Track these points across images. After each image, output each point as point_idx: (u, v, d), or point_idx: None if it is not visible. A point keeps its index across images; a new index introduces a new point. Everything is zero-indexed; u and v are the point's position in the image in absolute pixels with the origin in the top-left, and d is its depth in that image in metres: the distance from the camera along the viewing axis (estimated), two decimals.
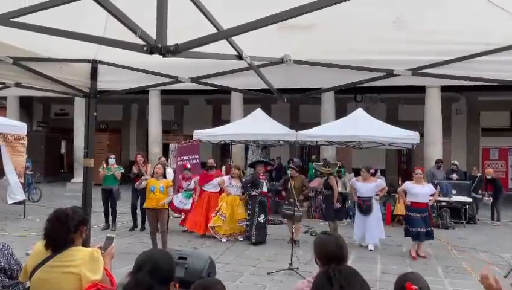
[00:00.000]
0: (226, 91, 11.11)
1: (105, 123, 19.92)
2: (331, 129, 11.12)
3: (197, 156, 10.74)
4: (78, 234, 2.60)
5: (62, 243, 2.49)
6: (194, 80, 3.16)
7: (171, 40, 1.71)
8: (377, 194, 8.11)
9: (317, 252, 2.09)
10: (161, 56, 1.62)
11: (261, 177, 8.59)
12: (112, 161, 9.32)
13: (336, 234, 2.13)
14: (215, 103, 19.63)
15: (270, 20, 1.66)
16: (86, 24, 2.31)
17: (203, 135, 11.71)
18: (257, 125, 11.47)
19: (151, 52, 1.59)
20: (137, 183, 7.87)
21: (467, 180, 12.10)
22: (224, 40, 2.05)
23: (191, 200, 9.15)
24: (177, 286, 1.99)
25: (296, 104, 18.54)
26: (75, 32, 1.78)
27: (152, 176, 7.48)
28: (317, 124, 13.45)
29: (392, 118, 15.84)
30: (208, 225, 8.60)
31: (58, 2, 1.60)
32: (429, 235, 7.51)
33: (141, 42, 1.59)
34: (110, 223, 9.30)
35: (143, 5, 1.80)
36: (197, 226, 8.85)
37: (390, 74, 2.73)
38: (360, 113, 11.27)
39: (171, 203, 8.78)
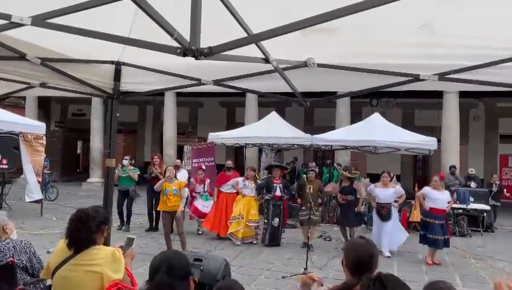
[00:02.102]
0: (241, 94, 11.13)
1: (121, 124, 20.13)
2: (347, 133, 11.04)
3: (212, 158, 10.79)
4: (100, 234, 2.63)
5: (84, 243, 2.52)
6: (217, 82, 3.17)
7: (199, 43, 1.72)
8: (395, 201, 8.01)
9: (347, 256, 2.03)
10: (189, 58, 1.63)
11: (275, 181, 8.57)
12: (125, 162, 9.41)
13: (370, 240, 2.07)
14: (229, 106, 19.68)
15: (300, 24, 1.66)
16: (111, 25, 2.34)
17: (218, 137, 11.74)
18: (271, 129, 11.45)
19: (184, 55, 1.60)
20: (157, 185, 7.89)
21: (485, 188, 11.91)
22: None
23: (211, 202, 9.20)
24: (196, 281, 2.01)
25: (310, 108, 18.47)
26: (109, 34, 1.80)
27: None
28: (332, 128, 13.38)
29: (408, 123, 15.66)
30: (228, 233, 8.62)
31: (97, 3, 1.62)
32: (446, 243, 7.46)
33: (174, 44, 1.60)
34: (125, 223, 9.38)
35: (170, 6, 1.82)
36: (215, 228, 8.91)
37: (416, 78, 2.70)
38: (376, 117, 11.18)
39: (195, 209, 8.87)
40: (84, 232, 2.52)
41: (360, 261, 1.93)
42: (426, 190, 7.65)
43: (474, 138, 17.32)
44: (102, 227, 2.64)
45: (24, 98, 18.70)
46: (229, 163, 9.59)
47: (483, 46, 2.48)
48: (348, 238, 8.08)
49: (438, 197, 7.37)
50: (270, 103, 15.50)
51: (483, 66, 2.56)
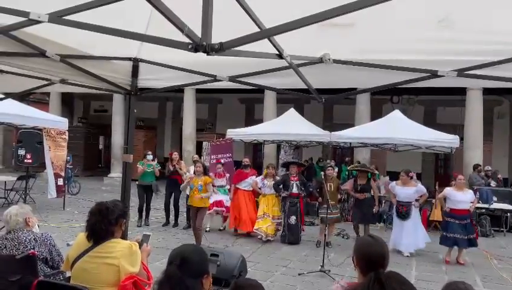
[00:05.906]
0: (260, 90, 11.10)
1: (141, 120, 20.42)
2: (366, 131, 10.88)
3: (230, 154, 10.83)
4: (118, 227, 2.69)
5: (103, 235, 2.58)
6: (232, 78, 3.18)
7: (213, 38, 1.73)
8: (416, 200, 7.87)
9: (357, 255, 2.00)
10: (205, 54, 1.63)
11: (292, 178, 8.52)
12: (149, 157, 9.54)
13: (380, 238, 2.04)
14: (248, 102, 19.70)
15: (314, 19, 1.64)
16: (128, 22, 2.37)
17: (236, 133, 11.75)
18: (290, 125, 11.39)
19: (195, 50, 1.61)
20: (182, 185, 8.02)
21: (509, 187, 11.60)
22: (265, 39, 2.04)
23: (227, 197, 9.28)
24: (210, 282, 1.96)
25: (329, 105, 18.30)
26: (122, 30, 1.82)
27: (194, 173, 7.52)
28: (351, 125, 13.22)
29: (430, 121, 15.37)
30: (254, 228, 8.61)
31: (109, 0, 1.64)
32: (472, 243, 7.26)
33: (186, 40, 1.61)
34: (144, 218, 9.46)
35: (183, 2, 1.83)
36: (235, 225, 8.97)
37: (434, 74, 2.64)
38: (396, 115, 10.99)
39: (218, 202, 8.95)
40: (103, 224, 2.58)
41: (370, 260, 1.90)
42: (448, 191, 7.41)
43: (498, 136, 16.85)
44: (120, 220, 2.69)
45: (48, 94, 19.15)
46: (246, 161, 9.59)
47: (505, 41, 2.41)
48: (360, 235, 8.02)
49: (459, 199, 7.17)
50: (288, 99, 15.43)
51: (505, 61, 2.49)
